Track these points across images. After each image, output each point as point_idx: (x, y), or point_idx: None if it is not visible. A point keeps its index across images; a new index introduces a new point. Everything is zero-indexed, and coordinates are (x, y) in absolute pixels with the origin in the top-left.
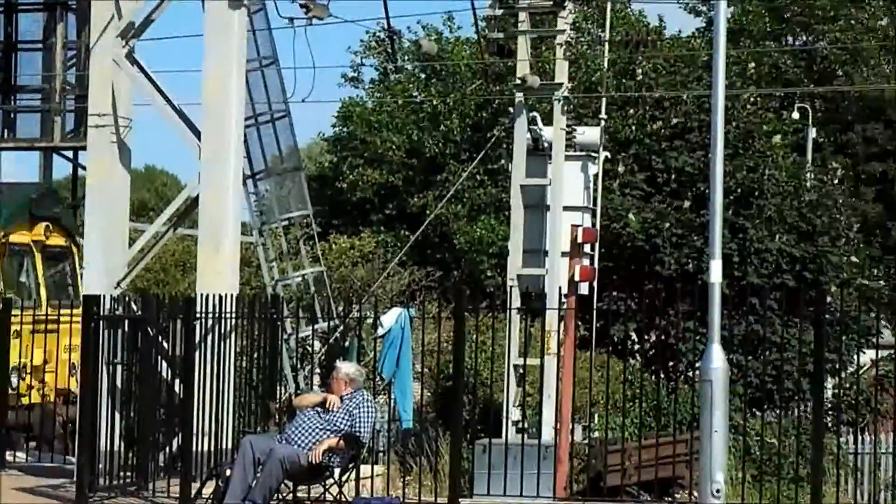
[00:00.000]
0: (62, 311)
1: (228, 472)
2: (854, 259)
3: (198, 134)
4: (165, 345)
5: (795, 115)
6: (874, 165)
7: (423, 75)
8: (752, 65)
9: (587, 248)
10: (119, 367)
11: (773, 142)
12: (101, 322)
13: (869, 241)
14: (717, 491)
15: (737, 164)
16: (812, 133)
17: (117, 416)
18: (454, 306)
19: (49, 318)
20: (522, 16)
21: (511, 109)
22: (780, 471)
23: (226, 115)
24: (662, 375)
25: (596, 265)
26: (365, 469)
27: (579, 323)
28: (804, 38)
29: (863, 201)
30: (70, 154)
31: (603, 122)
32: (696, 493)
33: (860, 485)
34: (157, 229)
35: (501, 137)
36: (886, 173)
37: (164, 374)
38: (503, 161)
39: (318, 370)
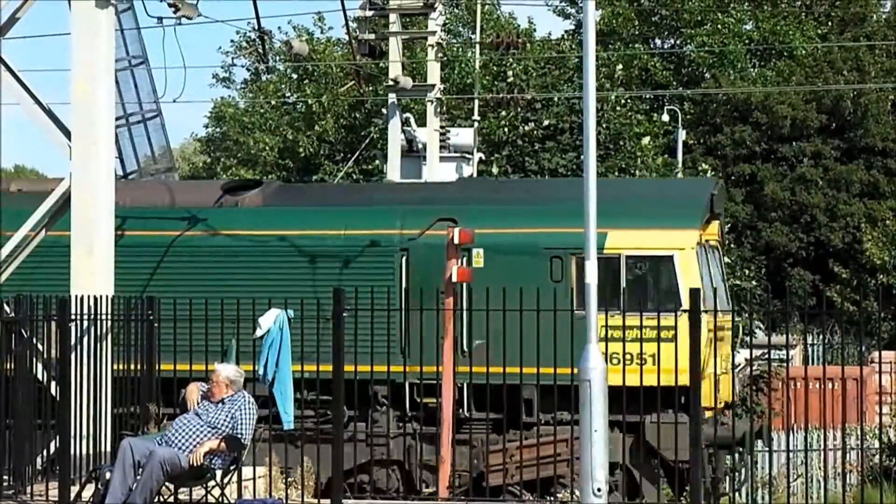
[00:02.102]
0: None
1: (108, 474)
2: (726, 260)
3: (68, 134)
4: (41, 347)
5: (665, 118)
6: (743, 167)
7: (295, 76)
8: (621, 67)
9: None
10: None
11: (643, 143)
12: None
13: (740, 242)
14: (598, 490)
15: (608, 165)
16: (681, 135)
17: None
18: (333, 307)
19: None
20: (393, 17)
21: (385, 110)
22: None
23: (95, 114)
24: None
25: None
26: (247, 471)
27: None
28: (673, 41)
29: (732, 202)
30: None
31: (476, 124)
32: (577, 493)
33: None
34: (28, 231)
35: (375, 138)
36: (755, 175)
37: (40, 376)
38: (378, 162)
39: None
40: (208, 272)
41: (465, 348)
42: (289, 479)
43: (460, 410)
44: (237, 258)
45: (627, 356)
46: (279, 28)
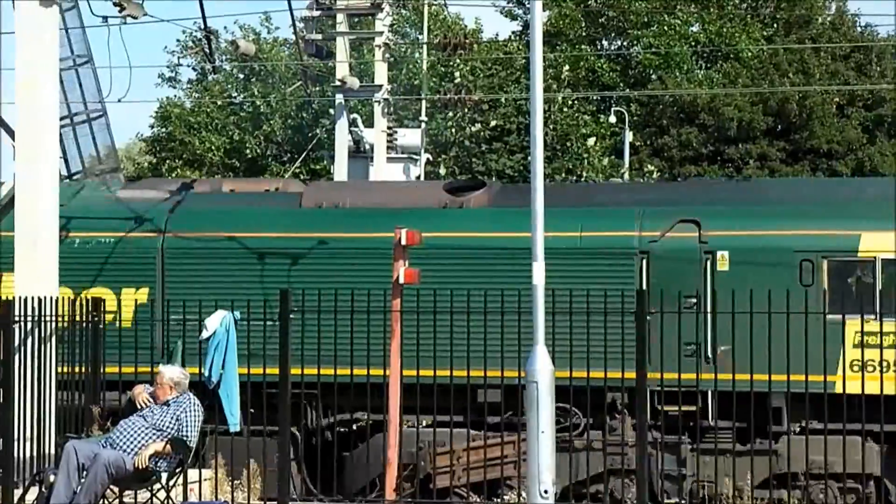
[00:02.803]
0: None
1: (52, 477)
2: None
3: (12, 134)
4: None
5: (612, 119)
6: (689, 168)
7: (241, 76)
8: (568, 68)
9: None
10: None
11: (590, 144)
12: None
13: None
14: (545, 491)
15: (555, 166)
16: (628, 136)
17: None
18: (280, 308)
19: None
20: (340, 17)
21: (332, 111)
22: None
23: (40, 114)
24: None
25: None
26: (193, 473)
27: None
28: (620, 42)
29: None
30: None
31: (423, 125)
32: (524, 494)
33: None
34: None
35: (323, 139)
36: (701, 176)
37: None
38: (325, 162)
39: None
40: (436, 274)
41: (710, 354)
42: (235, 482)
43: (705, 420)
44: (465, 260)
45: (872, 363)
46: (225, 28)
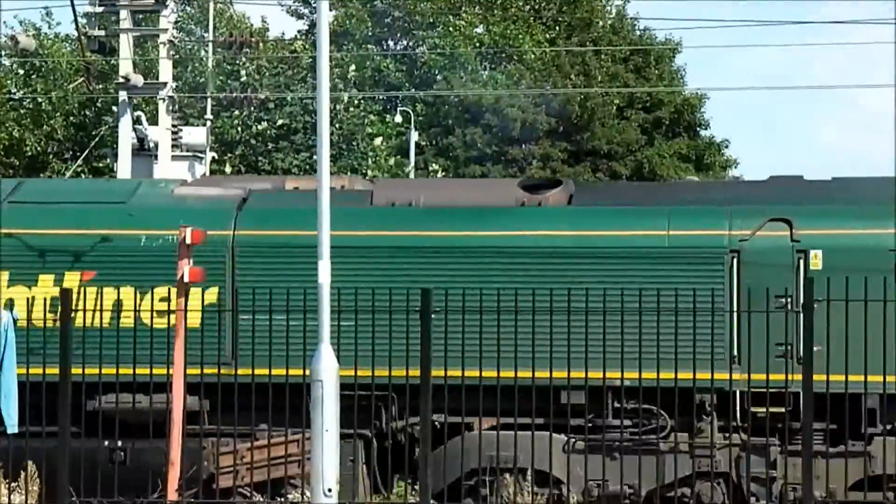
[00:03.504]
0: None
1: None
2: None
3: None
4: None
5: (398, 119)
6: (474, 168)
7: (21, 72)
8: (354, 68)
9: None
10: None
11: (376, 144)
12: None
13: None
14: (329, 490)
15: (341, 165)
16: (414, 136)
17: None
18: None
19: None
20: (124, 13)
21: (115, 108)
22: None
23: None
24: None
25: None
26: None
27: None
28: (405, 43)
29: None
30: None
31: (209, 123)
32: (308, 493)
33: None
34: None
35: (106, 136)
36: (486, 176)
37: None
38: (109, 160)
39: None
40: (513, 274)
41: (801, 354)
42: (12, 484)
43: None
44: (545, 259)
45: None
46: (4, 23)
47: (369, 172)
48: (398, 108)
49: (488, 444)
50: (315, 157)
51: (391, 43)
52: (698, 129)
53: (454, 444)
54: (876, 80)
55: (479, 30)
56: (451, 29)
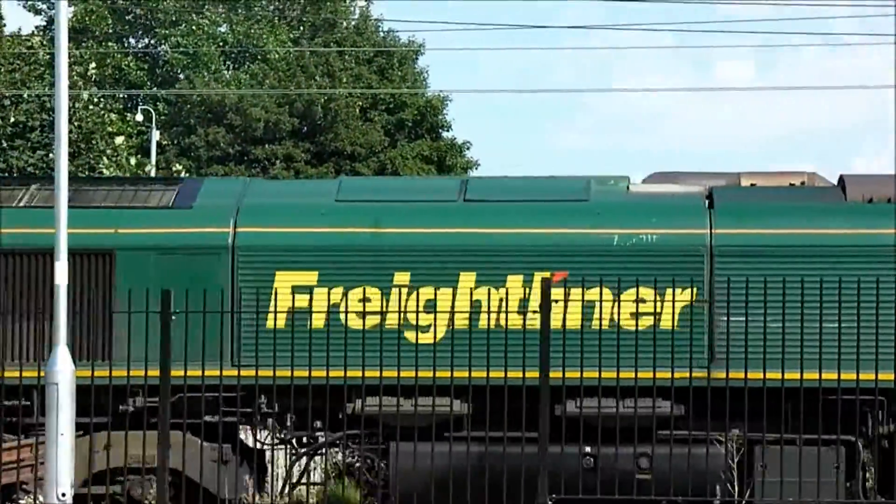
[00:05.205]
0: None
1: None
2: None
3: None
4: None
5: (139, 117)
6: (217, 168)
7: None
8: (94, 66)
9: None
10: None
11: (117, 143)
12: None
13: None
14: (63, 495)
15: (78, 163)
16: (155, 135)
17: None
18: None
19: None
20: None
21: None
22: None
23: None
24: None
25: None
26: None
27: None
28: (147, 41)
29: None
30: None
31: None
32: (41, 498)
33: None
34: None
35: None
36: (228, 176)
37: None
38: None
39: None
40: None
41: None
42: None
43: None
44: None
45: None
46: None
47: (106, 171)
48: (139, 107)
49: None
50: (52, 155)
51: (132, 41)
52: (441, 130)
53: None
54: (608, 84)
55: (223, 29)
56: (193, 27)
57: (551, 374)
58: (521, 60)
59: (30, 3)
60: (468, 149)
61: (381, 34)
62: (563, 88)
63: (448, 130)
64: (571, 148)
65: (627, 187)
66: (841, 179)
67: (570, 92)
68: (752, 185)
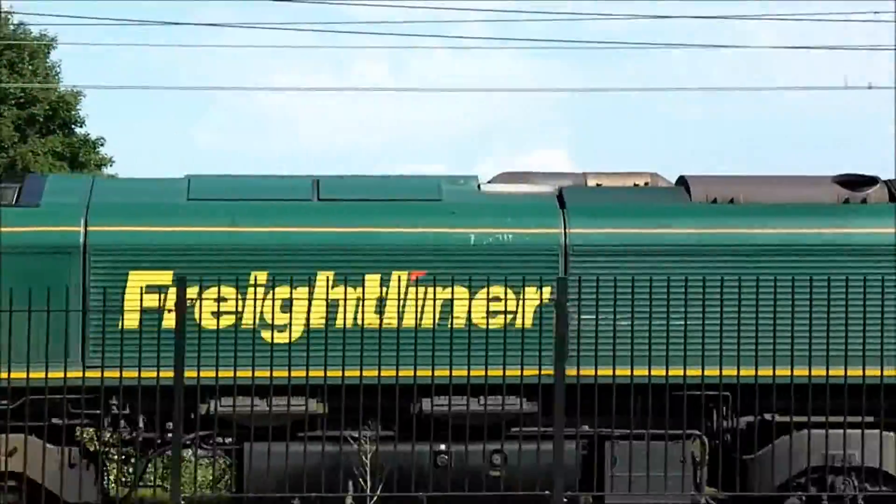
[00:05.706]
0: None
1: None
2: None
3: None
4: None
5: None
6: None
7: None
8: None
9: None
10: None
11: None
12: None
13: None
14: None
15: None
16: None
17: None
18: None
19: None
20: None
21: None
22: None
23: None
24: None
25: None
26: None
27: None
28: None
29: None
30: None
31: None
32: None
33: None
34: None
35: None
36: None
37: None
38: None
39: None
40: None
41: None
42: None
43: None
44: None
45: None
46: None
47: None
48: None
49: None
50: None
51: None
52: (74, 126)
53: (783, 443)
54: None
55: None
56: None
57: (410, 373)
58: (157, 57)
59: None
60: (102, 145)
61: (12, 27)
62: (199, 86)
63: (82, 126)
64: (208, 147)
65: (478, 186)
66: (683, 180)
67: (205, 90)
68: (597, 185)
